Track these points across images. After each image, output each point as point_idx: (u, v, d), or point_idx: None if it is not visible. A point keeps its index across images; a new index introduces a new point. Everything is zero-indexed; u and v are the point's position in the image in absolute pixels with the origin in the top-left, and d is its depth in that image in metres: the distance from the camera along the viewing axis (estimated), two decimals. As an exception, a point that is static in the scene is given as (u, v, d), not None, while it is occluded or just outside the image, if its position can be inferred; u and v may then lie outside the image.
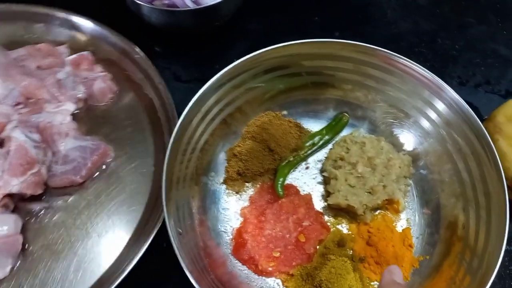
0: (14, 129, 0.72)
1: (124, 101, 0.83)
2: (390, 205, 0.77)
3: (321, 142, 0.82)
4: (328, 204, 0.76)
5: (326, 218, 0.75)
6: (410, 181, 0.78)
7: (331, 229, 0.74)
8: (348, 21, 1.00)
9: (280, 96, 0.82)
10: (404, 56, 0.76)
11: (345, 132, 0.83)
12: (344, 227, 0.75)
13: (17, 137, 0.71)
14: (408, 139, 0.81)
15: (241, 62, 0.73)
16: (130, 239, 0.70)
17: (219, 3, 0.84)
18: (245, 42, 0.95)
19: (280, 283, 0.68)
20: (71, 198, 0.72)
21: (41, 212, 0.71)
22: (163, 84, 0.81)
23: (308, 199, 0.76)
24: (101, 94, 0.82)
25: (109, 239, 0.70)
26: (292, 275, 0.68)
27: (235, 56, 0.75)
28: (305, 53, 0.79)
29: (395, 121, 0.82)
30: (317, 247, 0.71)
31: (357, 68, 0.80)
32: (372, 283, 0.70)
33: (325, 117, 0.84)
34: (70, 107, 0.79)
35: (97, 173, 0.75)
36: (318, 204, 0.76)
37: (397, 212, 0.77)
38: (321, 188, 0.78)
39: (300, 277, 0.69)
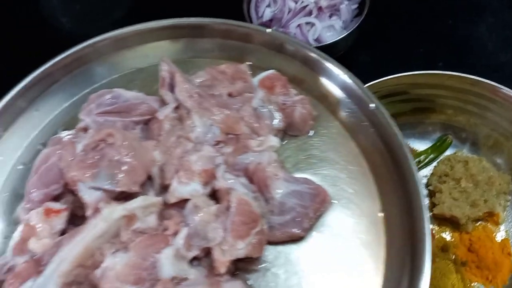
0: (229, 179, 0.62)
1: (325, 128, 0.72)
2: (490, 217, 0.88)
3: (426, 160, 0.94)
4: (433, 214, 0.87)
5: (430, 226, 0.82)
6: (510, 197, 0.88)
7: (436, 236, 0.85)
8: (450, 52, 1.10)
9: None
10: (506, 85, 0.86)
11: (448, 152, 0.94)
12: (447, 235, 0.86)
13: (237, 189, 0.60)
14: (508, 160, 0.90)
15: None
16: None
17: (337, 40, 0.98)
18: (356, 72, 0.98)
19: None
20: (291, 254, 0.62)
21: (261, 273, 0.61)
22: (377, 102, 0.69)
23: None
24: (303, 122, 0.70)
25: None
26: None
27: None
28: (414, 83, 0.90)
29: (495, 144, 0.91)
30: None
31: (460, 96, 0.91)
32: (473, 284, 0.82)
33: (430, 139, 0.97)
34: (275, 142, 0.67)
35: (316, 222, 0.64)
36: (424, 214, 0.87)
37: (496, 224, 0.87)
38: (425, 200, 0.82)
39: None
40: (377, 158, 0.68)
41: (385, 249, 0.63)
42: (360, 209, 0.65)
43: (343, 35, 0.99)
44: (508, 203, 0.89)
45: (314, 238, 0.64)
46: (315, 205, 0.63)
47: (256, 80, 0.74)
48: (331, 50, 0.94)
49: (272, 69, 0.76)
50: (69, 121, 0.74)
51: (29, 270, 0.56)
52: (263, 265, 0.62)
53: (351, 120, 0.72)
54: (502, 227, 0.88)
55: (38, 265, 0.56)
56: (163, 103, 0.69)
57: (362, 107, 0.71)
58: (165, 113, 0.65)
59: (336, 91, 0.74)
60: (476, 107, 0.91)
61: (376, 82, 0.87)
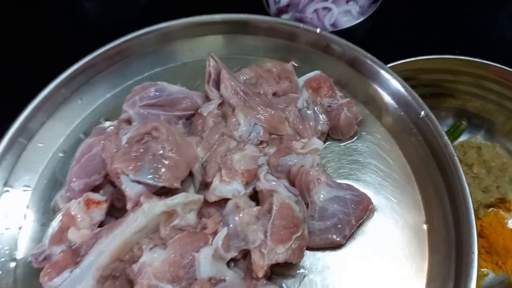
0: (272, 181, 0.60)
1: (370, 134, 0.69)
2: (502, 204, 0.86)
3: None
4: None
5: None
6: None
7: None
8: (468, 40, 1.08)
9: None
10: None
11: (462, 138, 0.93)
12: None
13: (280, 191, 0.58)
14: None
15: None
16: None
17: (353, 26, 0.97)
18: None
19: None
20: (329, 261, 0.60)
21: (297, 279, 0.59)
22: (427, 109, 0.66)
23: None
24: (348, 126, 0.68)
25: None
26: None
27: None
28: (428, 68, 0.89)
29: (510, 130, 0.89)
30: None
31: (475, 81, 0.89)
32: (482, 270, 0.81)
33: (445, 124, 0.95)
34: (319, 145, 0.65)
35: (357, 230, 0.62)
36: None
37: (509, 210, 0.86)
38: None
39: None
40: (424, 167, 0.66)
41: (428, 262, 0.60)
42: (404, 220, 0.63)
43: (360, 20, 0.97)
44: (521, 190, 0.87)
45: (354, 246, 0.62)
46: (358, 213, 0.61)
47: (301, 80, 0.72)
48: (348, 35, 0.95)
49: (317, 70, 0.74)
50: (111, 112, 0.73)
51: (66, 260, 0.56)
52: (300, 271, 0.60)
53: (398, 126, 0.69)
54: (514, 215, 0.87)
55: (76, 255, 0.56)
56: (207, 98, 0.68)
57: (411, 114, 0.69)
58: (209, 109, 0.64)
59: (384, 96, 0.71)
60: (492, 93, 0.90)
61: (389, 67, 0.81)
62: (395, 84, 0.70)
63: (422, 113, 0.67)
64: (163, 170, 0.57)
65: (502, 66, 0.86)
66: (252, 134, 0.63)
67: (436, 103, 0.95)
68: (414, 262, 0.60)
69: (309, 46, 0.77)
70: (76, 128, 0.73)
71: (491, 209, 0.87)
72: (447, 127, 0.96)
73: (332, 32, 0.91)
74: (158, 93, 0.67)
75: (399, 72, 0.81)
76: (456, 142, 0.94)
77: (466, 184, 0.61)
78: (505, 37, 1.09)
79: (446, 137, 0.64)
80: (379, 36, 1.09)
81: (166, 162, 0.58)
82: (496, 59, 0.87)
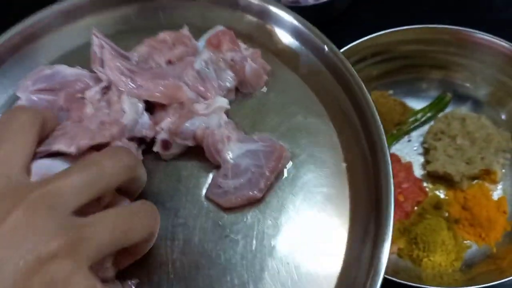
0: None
1: (282, 82, 0.67)
2: (487, 175, 0.85)
3: (423, 119, 0.92)
4: (427, 172, 0.86)
5: (424, 184, 0.86)
6: (509, 155, 0.85)
7: (429, 194, 0.85)
8: (457, 8, 1.07)
9: (386, 76, 0.93)
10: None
11: (447, 111, 0.92)
12: (441, 193, 0.86)
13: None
14: (510, 118, 0.88)
15: (352, 46, 0.84)
16: (346, 254, 0.55)
17: None
18: (358, 29, 0.96)
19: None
20: (250, 218, 0.56)
21: (219, 241, 0.57)
22: (331, 44, 0.63)
23: (408, 166, 0.87)
24: (255, 77, 0.63)
25: (321, 263, 0.55)
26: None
27: (346, 42, 0.85)
28: (406, 39, 0.89)
29: (498, 102, 0.89)
30: (415, 208, 0.82)
31: (460, 51, 0.88)
32: (465, 242, 0.82)
33: (429, 97, 0.95)
34: (223, 102, 0.61)
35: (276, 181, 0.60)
36: (418, 172, 0.88)
37: (494, 182, 0.86)
38: (421, 159, 0.89)
39: (397, 230, 0.82)
40: (337, 105, 0.63)
41: (350, 202, 0.58)
42: (322, 161, 0.60)
43: None
44: (507, 161, 0.86)
45: (274, 198, 0.59)
46: (271, 163, 0.58)
47: (203, 40, 0.69)
48: (331, 8, 0.98)
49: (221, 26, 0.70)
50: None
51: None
52: (220, 232, 0.58)
53: (308, 69, 0.66)
54: (499, 186, 0.86)
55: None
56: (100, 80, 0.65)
57: (318, 54, 0.66)
58: (91, 94, 0.60)
59: (291, 42, 0.69)
60: (478, 62, 0.89)
61: (366, 40, 0.85)
62: (298, 24, 0.67)
63: (326, 48, 0.64)
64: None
65: (486, 34, 0.84)
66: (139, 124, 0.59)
67: (420, 75, 0.94)
68: (336, 203, 0.58)
69: (213, 3, 0.73)
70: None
71: (475, 181, 0.86)
72: (431, 99, 0.94)
73: (316, 5, 0.94)
74: (51, 77, 0.64)
75: (376, 46, 0.87)
76: (440, 115, 0.92)
77: (377, 117, 0.59)
78: (496, 4, 1.07)
79: (350, 66, 0.61)
80: (366, 7, 1.07)
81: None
82: (489, 27, 0.86)
